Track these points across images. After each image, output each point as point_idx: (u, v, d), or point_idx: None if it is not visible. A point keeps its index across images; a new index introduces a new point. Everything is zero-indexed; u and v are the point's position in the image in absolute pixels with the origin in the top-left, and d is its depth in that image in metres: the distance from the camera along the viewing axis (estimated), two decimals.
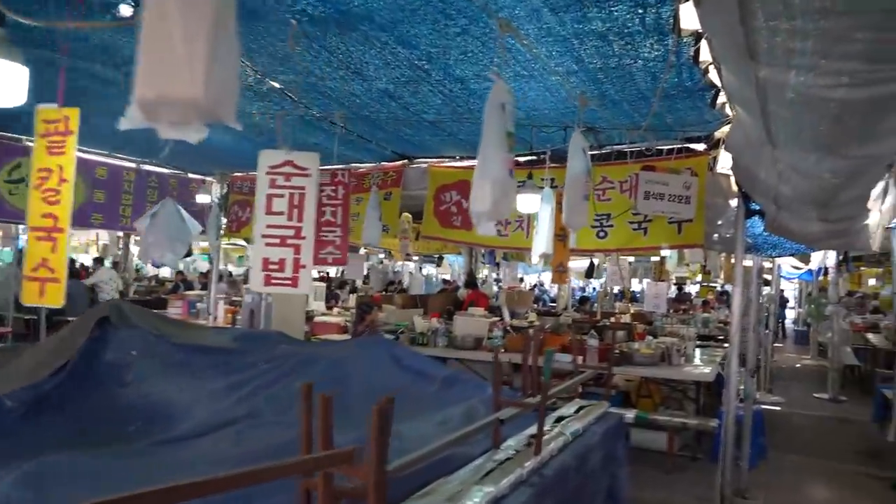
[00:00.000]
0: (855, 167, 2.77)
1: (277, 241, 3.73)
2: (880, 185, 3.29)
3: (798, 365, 13.34)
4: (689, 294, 16.78)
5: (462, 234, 5.32)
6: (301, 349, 3.88)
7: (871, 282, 17.54)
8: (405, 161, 5.47)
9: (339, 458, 1.40)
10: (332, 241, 4.09)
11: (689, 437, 5.60)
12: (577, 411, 3.50)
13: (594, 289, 17.66)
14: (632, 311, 10.37)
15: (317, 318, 7.90)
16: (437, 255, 15.27)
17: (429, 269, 18.71)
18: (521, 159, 4.92)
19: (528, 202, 4.15)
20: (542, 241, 4.16)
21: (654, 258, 10.64)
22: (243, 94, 3.72)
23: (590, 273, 12.75)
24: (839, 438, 6.99)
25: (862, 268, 15.27)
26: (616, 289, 16.84)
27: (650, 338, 6.99)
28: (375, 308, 6.37)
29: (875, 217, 3.61)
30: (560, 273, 4.25)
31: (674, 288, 17.46)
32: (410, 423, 2.85)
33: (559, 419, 3.29)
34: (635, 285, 17.21)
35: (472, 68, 2.93)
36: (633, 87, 3.17)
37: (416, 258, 16.65)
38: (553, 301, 16.09)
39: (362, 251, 11.72)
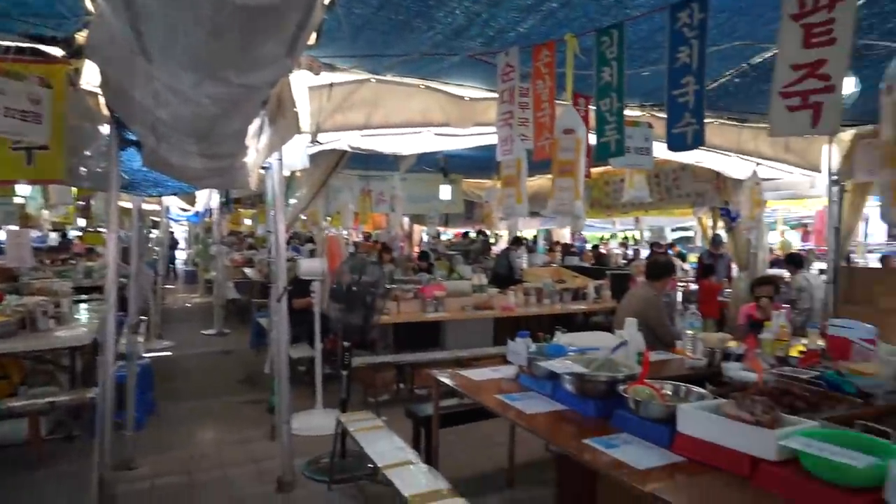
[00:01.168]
0: (234, 96, 2.52)
1: None
2: (257, 122, 3.22)
3: (188, 304, 13.77)
4: (71, 241, 14.87)
5: None
6: None
7: (248, 221, 19.87)
8: None
9: None
10: None
11: (62, 415, 4.66)
12: None
13: None
14: None
15: None
16: None
17: None
18: None
19: None
20: None
21: (17, 199, 8.54)
22: None
23: None
24: (224, 371, 7.38)
25: (240, 209, 16.98)
26: None
27: (14, 298, 5.57)
28: None
29: (252, 156, 3.59)
30: None
31: (54, 235, 15.14)
32: None
33: None
34: None
35: None
36: None
37: None
38: None
39: None
